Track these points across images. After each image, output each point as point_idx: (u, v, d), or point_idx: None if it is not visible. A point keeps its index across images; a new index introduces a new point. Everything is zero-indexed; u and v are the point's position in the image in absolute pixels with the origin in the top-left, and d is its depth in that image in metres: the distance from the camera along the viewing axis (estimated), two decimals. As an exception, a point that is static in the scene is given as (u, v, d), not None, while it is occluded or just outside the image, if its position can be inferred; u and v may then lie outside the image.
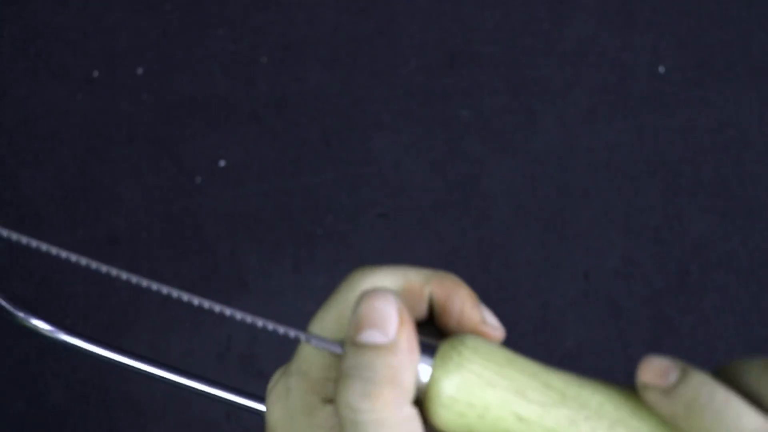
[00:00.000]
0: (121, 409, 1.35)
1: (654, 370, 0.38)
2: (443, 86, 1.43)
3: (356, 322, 0.37)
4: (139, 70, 1.45)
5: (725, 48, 1.44)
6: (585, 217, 1.39)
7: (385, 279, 0.39)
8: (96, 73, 1.45)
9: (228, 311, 0.38)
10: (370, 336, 0.36)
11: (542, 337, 1.36)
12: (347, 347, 0.36)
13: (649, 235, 1.38)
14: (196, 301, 0.38)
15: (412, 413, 0.36)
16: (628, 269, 1.37)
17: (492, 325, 0.40)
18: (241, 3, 1.47)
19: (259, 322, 0.38)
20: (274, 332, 0.38)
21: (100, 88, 1.45)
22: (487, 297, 1.37)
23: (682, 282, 1.37)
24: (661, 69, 1.44)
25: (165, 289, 0.37)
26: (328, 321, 0.39)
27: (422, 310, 0.40)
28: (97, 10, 1.47)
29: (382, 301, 0.37)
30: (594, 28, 1.45)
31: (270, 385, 0.41)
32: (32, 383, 1.35)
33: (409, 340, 0.37)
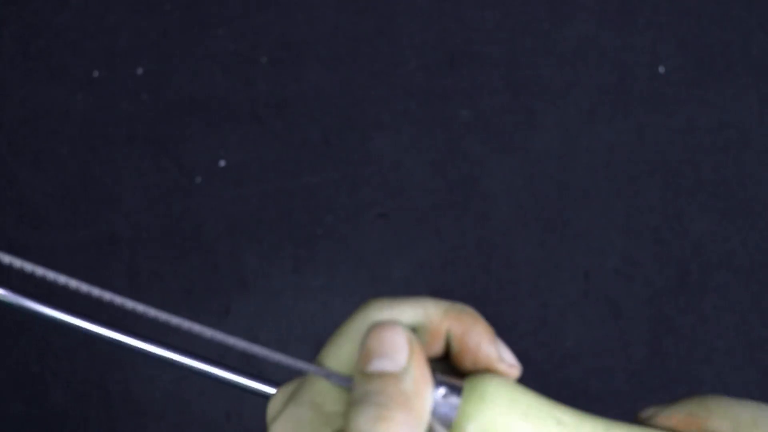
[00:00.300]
0: (121, 409, 1.35)
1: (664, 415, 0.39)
2: (443, 86, 1.43)
3: (365, 353, 0.36)
4: (139, 70, 1.45)
5: (725, 48, 1.44)
6: (585, 217, 1.39)
7: (403, 312, 0.39)
8: (96, 73, 1.45)
9: (241, 344, 0.38)
10: (380, 365, 0.36)
11: (542, 337, 1.36)
12: (356, 377, 0.36)
13: (649, 235, 1.38)
14: (212, 333, 0.38)
15: None
16: (628, 269, 1.37)
17: (508, 362, 0.39)
18: (241, 3, 1.47)
19: (276, 356, 0.38)
20: (288, 366, 0.38)
21: (100, 88, 1.45)
22: (487, 297, 1.37)
23: (682, 282, 1.37)
24: (661, 69, 1.44)
25: (174, 320, 0.37)
26: (343, 353, 0.39)
27: (439, 347, 0.39)
28: (97, 10, 1.47)
29: (391, 331, 0.36)
30: (594, 28, 1.45)
31: (272, 409, 0.40)
32: (32, 383, 1.35)
33: (420, 368, 0.36)
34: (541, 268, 1.37)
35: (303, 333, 1.35)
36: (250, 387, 0.44)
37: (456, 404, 0.37)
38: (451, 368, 0.40)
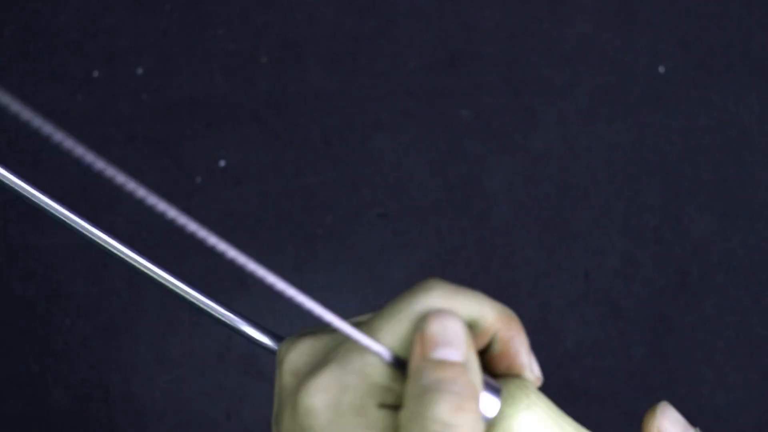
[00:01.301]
0: (121, 409, 1.35)
1: (671, 420, 0.40)
2: (443, 86, 1.43)
3: (429, 339, 0.37)
4: (139, 70, 1.45)
5: (725, 48, 1.44)
6: (585, 217, 1.39)
7: (462, 305, 0.39)
8: (96, 73, 1.45)
9: (297, 295, 0.38)
10: (446, 353, 0.37)
11: (542, 337, 1.36)
12: (420, 362, 0.37)
13: (649, 235, 1.38)
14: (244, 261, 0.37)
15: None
16: (628, 269, 1.37)
17: (536, 374, 0.41)
18: (241, 3, 1.47)
19: (337, 322, 0.38)
20: (347, 334, 0.38)
21: (100, 88, 1.45)
22: (487, 297, 1.37)
23: (682, 282, 1.37)
24: (661, 69, 1.44)
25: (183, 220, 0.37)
26: (399, 331, 0.38)
27: (483, 345, 0.40)
28: (97, 10, 1.47)
29: (453, 322, 0.37)
30: (594, 28, 1.45)
31: (297, 360, 0.40)
32: (32, 383, 1.35)
33: (476, 362, 0.37)
34: (541, 268, 1.38)
35: (306, 323, 1.34)
36: (249, 335, 0.43)
37: (494, 402, 0.38)
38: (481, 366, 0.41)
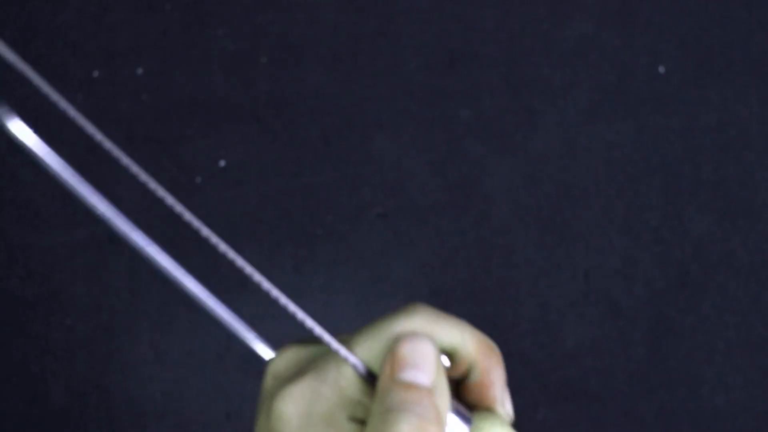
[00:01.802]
0: (121, 409, 1.35)
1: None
2: (443, 86, 1.43)
3: (399, 359, 0.38)
4: (139, 70, 1.45)
5: (725, 48, 1.44)
6: (585, 217, 1.39)
7: (443, 331, 0.40)
8: (96, 73, 1.45)
9: (290, 306, 0.39)
10: (414, 376, 0.37)
11: (542, 337, 1.36)
12: (388, 382, 0.37)
13: (649, 235, 1.38)
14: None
15: None
16: (628, 269, 1.37)
17: (507, 410, 0.41)
18: (241, 3, 1.47)
19: (317, 329, 0.39)
20: (327, 343, 0.39)
21: (100, 88, 1.45)
22: (487, 297, 1.37)
23: (682, 282, 1.37)
24: (661, 69, 1.44)
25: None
26: (376, 348, 0.39)
27: (459, 374, 0.41)
28: (97, 10, 1.47)
29: (425, 345, 0.38)
30: (594, 28, 1.45)
31: (279, 367, 0.41)
32: (32, 383, 1.35)
33: (445, 388, 0.38)
34: (541, 268, 1.38)
35: (303, 333, 1.34)
36: (244, 338, 0.43)
37: (463, 430, 0.39)
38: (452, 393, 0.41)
